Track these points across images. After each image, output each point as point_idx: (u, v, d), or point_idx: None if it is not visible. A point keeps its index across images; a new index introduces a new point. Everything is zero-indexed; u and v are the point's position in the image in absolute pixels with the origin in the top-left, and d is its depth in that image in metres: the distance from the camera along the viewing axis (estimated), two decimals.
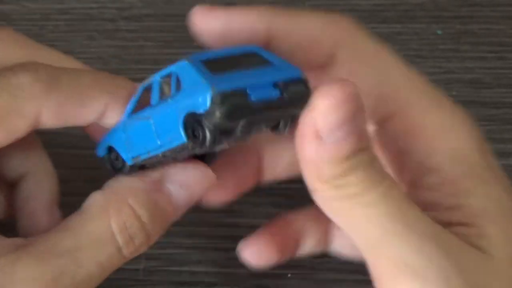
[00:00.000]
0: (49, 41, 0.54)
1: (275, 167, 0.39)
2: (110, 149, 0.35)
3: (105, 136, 0.35)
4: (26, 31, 0.53)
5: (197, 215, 0.45)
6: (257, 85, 0.29)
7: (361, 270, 0.37)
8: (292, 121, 0.30)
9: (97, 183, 0.35)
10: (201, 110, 0.28)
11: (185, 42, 0.54)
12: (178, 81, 0.31)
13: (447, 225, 0.31)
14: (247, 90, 0.28)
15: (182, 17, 0.58)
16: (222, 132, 0.29)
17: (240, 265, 0.43)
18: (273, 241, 0.39)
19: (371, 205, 0.30)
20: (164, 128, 0.31)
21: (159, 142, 0.32)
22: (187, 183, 0.35)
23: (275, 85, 0.29)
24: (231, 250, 0.43)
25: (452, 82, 0.51)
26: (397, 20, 0.55)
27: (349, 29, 0.34)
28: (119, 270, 0.42)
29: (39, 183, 0.36)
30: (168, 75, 0.31)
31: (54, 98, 0.32)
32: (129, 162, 0.34)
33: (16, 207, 0.36)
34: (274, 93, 0.29)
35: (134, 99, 0.33)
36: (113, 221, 0.33)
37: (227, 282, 0.42)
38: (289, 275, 0.42)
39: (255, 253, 0.39)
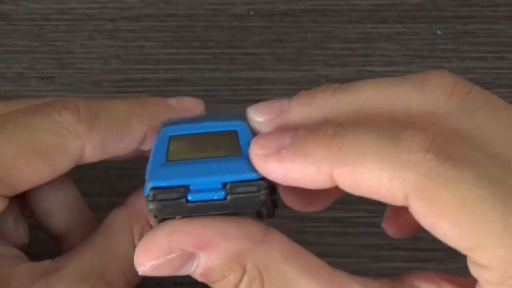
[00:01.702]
0: (49, 41, 0.54)
1: None
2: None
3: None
4: (26, 31, 0.54)
5: None
6: (203, 183, 0.27)
7: (361, 270, 0.37)
8: (272, 205, 0.29)
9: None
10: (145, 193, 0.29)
11: (185, 42, 0.54)
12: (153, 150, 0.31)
13: None
14: (190, 187, 0.27)
15: (182, 17, 0.58)
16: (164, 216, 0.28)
17: None
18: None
19: None
20: None
21: None
22: None
23: (224, 185, 0.27)
24: None
25: None
26: (397, 20, 0.55)
27: (426, 171, 0.26)
28: None
29: (72, 218, 0.36)
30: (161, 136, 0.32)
31: (96, 135, 0.33)
32: None
33: (53, 233, 0.36)
34: (218, 195, 0.27)
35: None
36: (136, 239, 0.34)
37: None
38: None
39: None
